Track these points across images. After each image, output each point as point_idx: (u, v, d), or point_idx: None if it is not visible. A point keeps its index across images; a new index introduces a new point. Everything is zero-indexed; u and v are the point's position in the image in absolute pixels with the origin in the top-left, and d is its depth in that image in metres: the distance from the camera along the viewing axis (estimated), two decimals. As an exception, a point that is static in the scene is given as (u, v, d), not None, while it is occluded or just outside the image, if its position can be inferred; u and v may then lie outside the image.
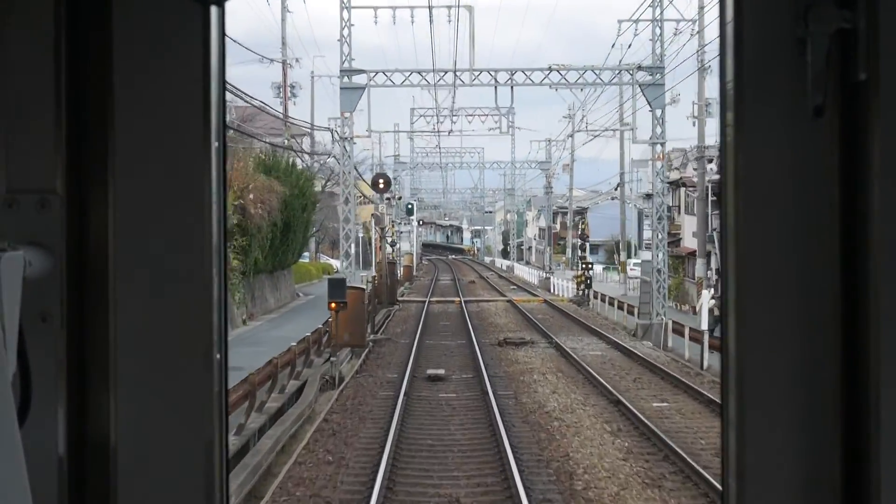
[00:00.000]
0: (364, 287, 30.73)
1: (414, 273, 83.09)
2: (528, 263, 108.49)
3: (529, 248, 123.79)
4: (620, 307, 41.96)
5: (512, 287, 66.93)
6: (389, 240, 54.55)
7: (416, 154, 79.55)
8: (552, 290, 62.94)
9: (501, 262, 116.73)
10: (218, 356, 1.76)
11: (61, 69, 1.69)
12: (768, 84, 1.63)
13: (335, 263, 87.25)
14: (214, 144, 1.75)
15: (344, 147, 34.91)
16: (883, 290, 1.56)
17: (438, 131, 49.25)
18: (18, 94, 1.68)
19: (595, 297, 49.34)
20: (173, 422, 1.74)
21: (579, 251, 55.30)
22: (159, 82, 1.73)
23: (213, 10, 1.75)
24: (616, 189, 59.97)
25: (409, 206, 77.45)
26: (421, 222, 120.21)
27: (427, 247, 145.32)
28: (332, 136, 34.63)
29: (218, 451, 1.76)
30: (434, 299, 53.00)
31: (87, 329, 1.72)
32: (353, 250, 35.62)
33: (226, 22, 1.78)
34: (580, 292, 52.69)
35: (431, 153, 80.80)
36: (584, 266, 52.01)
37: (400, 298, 51.89)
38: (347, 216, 35.71)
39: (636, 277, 64.82)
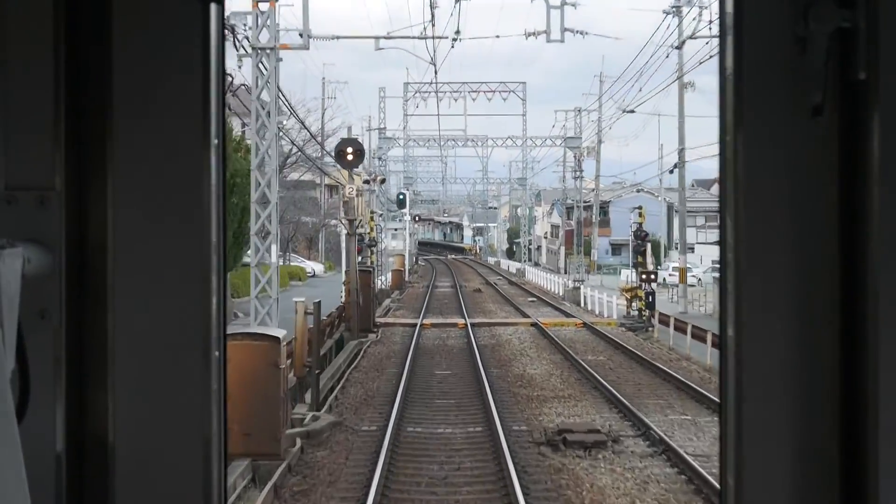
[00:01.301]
0: (280, 337, 15.09)
1: (406, 278, 67.77)
2: (536, 265, 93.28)
3: (538, 247, 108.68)
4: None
5: (530, 300, 51.44)
6: (367, 237, 39.07)
7: (410, 138, 64.03)
8: (584, 305, 47.54)
9: (508, 264, 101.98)
10: (217, 353, 1.76)
11: (60, 66, 1.68)
12: (768, 82, 1.64)
13: (312, 267, 71.85)
14: (214, 142, 1.75)
15: (259, 66, 19.04)
16: (882, 287, 1.56)
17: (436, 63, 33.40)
18: (17, 92, 1.68)
19: (664, 324, 33.75)
20: (172, 419, 1.74)
21: (635, 255, 39.70)
22: (158, 79, 1.72)
23: (213, 7, 1.75)
24: (674, 169, 44.42)
25: (401, 197, 62.21)
26: (417, 218, 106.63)
27: (424, 245, 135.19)
28: (235, 43, 18.41)
29: (216, 448, 1.75)
30: (429, 321, 37.60)
31: (85, 326, 1.71)
32: (274, 253, 19.87)
33: (224, 20, 1.78)
34: (633, 312, 37.37)
35: (426, 123, 65.45)
36: (642, 276, 36.40)
37: (380, 321, 36.50)
38: (265, 192, 19.71)
39: (694, 286, 50.17)
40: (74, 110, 1.69)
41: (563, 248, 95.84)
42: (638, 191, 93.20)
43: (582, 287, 51.27)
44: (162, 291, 1.72)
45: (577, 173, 53.92)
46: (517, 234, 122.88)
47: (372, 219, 39.60)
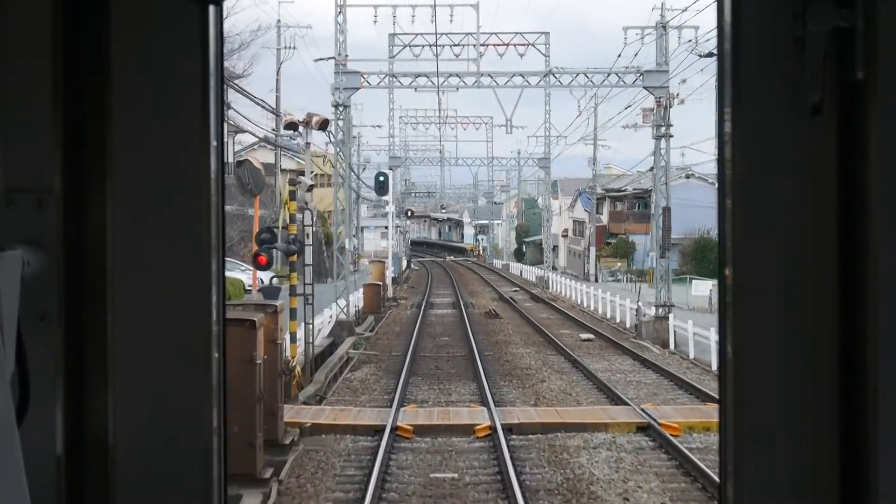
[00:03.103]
0: None
1: (391, 294, 47.40)
2: (553, 269, 72.68)
3: (554, 247, 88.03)
4: None
5: (585, 337, 30.95)
6: (287, 233, 18.55)
7: (392, 74, 43.74)
8: (678, 348, 27.15)
9: (520, 268, 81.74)
10: (216, 355, 1.76)
11: (59, 68, 1.69)
12: (766, 82, 1.64)
13: (260, 276, 51.28)
14: (213, 143, 1.75)
15: None
16: (881, 286, 1.55)
17: None
18: (16, 94, 1.68)
19: None
20: (171, 420, 1.74)
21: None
22: (157, 81, 1.73)
23: (212, 9, 1.75)
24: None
25: (381, 179, 41.97)
26: (410, 213, 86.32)
27: (418, 245, 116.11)
28: None
29: (216, 449, 1.76)
30: (411, 421, 17.30)
31: (84, 328, 1.72)
32: None
33: (223, 21, 1.78)
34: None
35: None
36: None
37: (303, 422, 16.05)
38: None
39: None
40: (73, 113, 1.69)
41: (592, 250, 75.91)
42: (687, 176, 73.25)
43: (671, 316, 30.76)
44: (161, 293, 1.71)
45: (662, 129, 32.68)
46: (528, 231, 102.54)
47: (291, 197, 18.97)
